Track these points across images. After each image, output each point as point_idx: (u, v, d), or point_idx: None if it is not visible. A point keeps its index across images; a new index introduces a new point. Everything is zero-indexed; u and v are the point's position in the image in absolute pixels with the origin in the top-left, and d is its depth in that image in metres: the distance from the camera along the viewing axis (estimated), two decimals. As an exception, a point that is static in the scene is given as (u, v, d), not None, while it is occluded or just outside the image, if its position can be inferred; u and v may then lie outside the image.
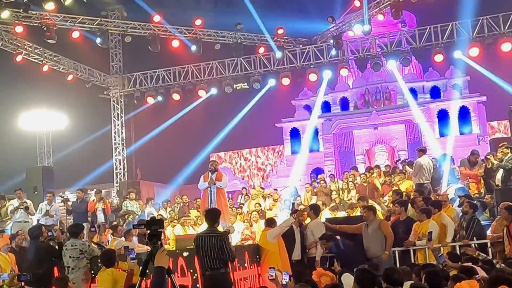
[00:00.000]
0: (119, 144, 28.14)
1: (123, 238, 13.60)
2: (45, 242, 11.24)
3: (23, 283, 8.95)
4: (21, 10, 21.69)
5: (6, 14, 21.68)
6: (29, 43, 24.21)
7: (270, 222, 11.95)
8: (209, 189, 13.78)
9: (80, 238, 10.67)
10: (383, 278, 7.16)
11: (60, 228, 16.53)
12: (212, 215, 9.72)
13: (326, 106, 29.56)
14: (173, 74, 26.77)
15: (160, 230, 7.38)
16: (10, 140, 28.73)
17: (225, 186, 14.93)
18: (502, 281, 6.24)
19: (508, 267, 8.24)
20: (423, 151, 17.52)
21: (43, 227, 12.53)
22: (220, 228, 10.14)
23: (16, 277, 9.06)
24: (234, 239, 14.87)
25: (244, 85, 25.69)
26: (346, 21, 25.54)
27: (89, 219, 18.10)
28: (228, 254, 9.12)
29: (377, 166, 21.91)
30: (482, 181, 16.42)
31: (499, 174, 15.07)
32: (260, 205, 18.55)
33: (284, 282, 8.56)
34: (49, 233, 11.35)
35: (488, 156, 16.14)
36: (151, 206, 20.14)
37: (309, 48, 25.17)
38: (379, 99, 28.32)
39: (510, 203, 11.79)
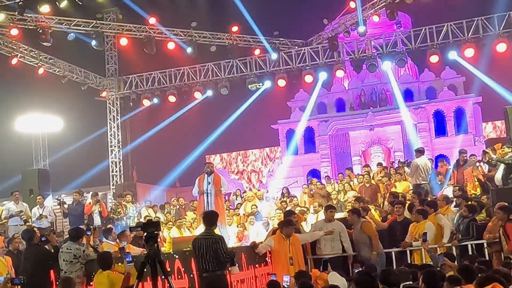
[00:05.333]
0: (115, 146, 28.12)
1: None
2: (41, 246, 11.20)
3: (19, 287, 8.92)
4: (16, 13, 21.64)
5: (1, 17, 21.64)
6: (24, 46, 24.16)
7: (289, 218, 11.89)
8: (206, 191, 13.74)
9: (78, 242, 10.64)
10: (380, 279, 7.18)
11: (52, 229, 16.50)
12: (210, 218, 9.72)
13: (321, 108, 29.61)
14: (168, 76, 26.75)
15: (157, 232, 7.41)
16: (6, 142, 28.66)
17: (227, 190, 14.89)
18: (492, 281, 6.28)
19: (506, 267, 8.25)
20: (421, 152, 17.54)
21: (36, 230, 12.50)
22: (217, 231, 10.12)
23: (10, 280, 9.04)
24: (231, 242, 14.89)
25: (259, 85, 25.52)
26: (341, 23, 25.56)
27: (85, 221, 18.06)
28: (223, 255, 9.11)
29: (379, 164, 21.90)
30: (477, 183, 16.44)
31: (499, 173, 15.11)
32: (257, 207, 18.56)
33: (285, 285, 8.59)
34: (42, 238, 11.28)
35: (487, 150, 16.16)
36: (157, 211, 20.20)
37: (304, 49, 25.19)
38: (375, 100, 28.36)
39: (505, 203, 11.84)
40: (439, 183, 17.42)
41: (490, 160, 16.30)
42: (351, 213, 12.61)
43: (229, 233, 14.97)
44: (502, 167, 15.18)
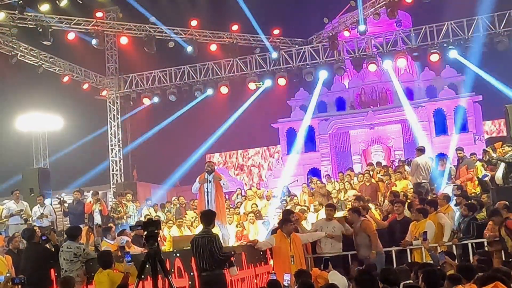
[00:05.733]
0: (115, 145, 28.10)
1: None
2: (41, 245, 11.20)
3: (19, 286, 8.92)
4: (17, 11, 21.62)
5: (1, 15, 21.63)
6: (24, 45, 24.15)
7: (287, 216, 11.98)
8: (206, 190, 13.73)
9: (77, 241, 10.65)
10: (380, 278, 7.18)
11: (52, 228, 16.50)
12: (207, 217, 9.72)
13: (322, 106, 29.61)
14: (169, 75, 26.72)
15: (157, 231, 7.41)
16: (6, 141, 28.68)
17: (228, 188, 14.89)
18: (494, 280, 6.28)
19: (506, 266, 8.25)
20: (421, 150, 17.51)
21: (36, 229, 12.49)
22: (215, 230, 10.13)
23: (11, 280, 9.04)
24: (231, 240, 14.90)
25: (259, 84, 25.49)
26: (342, 22, 25.55)
27: (86, 220, 18.07)
28: (217, 253, 9.12)
29: (378, 163, 21.89)
30: (476, 182, 16.45)
31: (500, 172, 15.10)
32: (257, 206, 18.57)
33: (286, 284, 8.59)
34: (43, 237, 11.28)
35: (487, 149, 16.14)
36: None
37: (305, 48, 25.17)
38: (375, 99, 28.37)
39: (505, 202, 11.86)
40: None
41: (490, 159, 16.28)
42: (352, 211, 12.64)
43: (230, 232, 14.98)
44: (502, 166, 15.19)
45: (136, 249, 12.41)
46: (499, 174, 15.22)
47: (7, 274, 10.79)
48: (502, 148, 15.93)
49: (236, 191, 22.28)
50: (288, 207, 17.79)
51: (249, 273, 11.07)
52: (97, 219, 18.02)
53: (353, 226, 12.28)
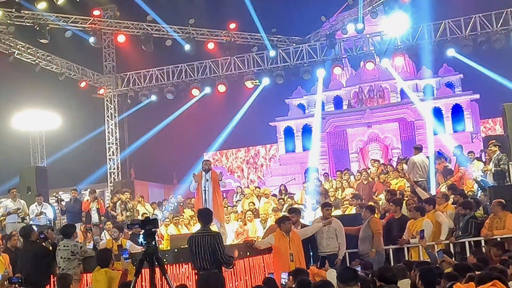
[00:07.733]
0: (113, 143, 28.07)
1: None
2: (39, 243, 11.19)
3: (17, 285, 8.91)
4: (14, 9, 21.60)
5: (-1, 13, 21.66)
6: (21, 43, 24.12)
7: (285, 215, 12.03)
8: (203, 188, 13.72)
9: (73, 238, 10.64)
10: (377, 276, 7.17)
11: (50, 226, 16.48)
12: (205, 215, 9.67)
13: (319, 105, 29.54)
14: (166, 73, 26.71)
15: (155, 230, 7.40)
16: (3, 140, 28.64)
17: (225, 185, 14.88)
18: (492, 278, 6.29)
19: (503, 265, 8.26)
20: (418, 149, 17.53)
21: (34, 228, 12.49)
22: (213, 228, 10.11)
23: (8, 279, 9.02)
24: (229, 239, 14.90)
25: (256, 82, 25.47)
26: (340, 20, 25.54)
27: (83, 219, 18.07)
28: (220, 252, 9.08)
29: (377, 161, 21.85)
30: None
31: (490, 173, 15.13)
32: (254, 204, 18.55)
33: (283, 283, 8.58)
34: (41, 235, 11.26)
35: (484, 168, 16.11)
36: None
37: (302, 46, 25.16)
38: (373, 97, 28.33)
39: (501, 200, 11.90)
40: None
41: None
42: (365, 208, 12.68)
43: (227, 230, 14.97)
44: (492, 165, 15.20)
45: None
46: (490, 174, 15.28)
47: (4, 273, 10.78)
48: (489, 148, 15.87)
49: (236, 190, 22.28)
50: (286, 206, 17.82)
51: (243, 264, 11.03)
52: (95, 217, 18.03)
53: (363, 222, 12.28)
